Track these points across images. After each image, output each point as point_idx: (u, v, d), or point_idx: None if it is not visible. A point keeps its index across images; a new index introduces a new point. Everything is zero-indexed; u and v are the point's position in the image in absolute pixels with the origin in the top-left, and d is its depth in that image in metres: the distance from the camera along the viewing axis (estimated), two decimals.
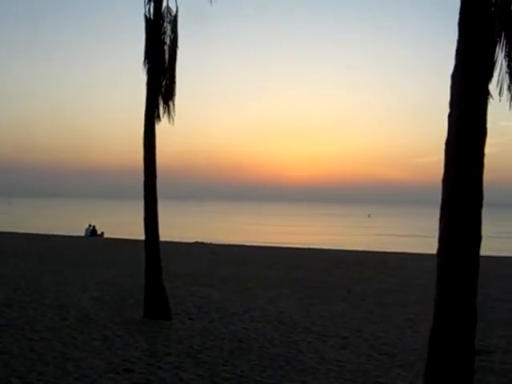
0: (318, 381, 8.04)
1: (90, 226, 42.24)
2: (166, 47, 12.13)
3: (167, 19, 12.12)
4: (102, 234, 41.93)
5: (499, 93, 7.42)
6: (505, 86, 7.48)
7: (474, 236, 5.38)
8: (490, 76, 5.96)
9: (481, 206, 5.42)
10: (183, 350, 9.36)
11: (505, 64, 7.37)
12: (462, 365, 5.35)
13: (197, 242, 35.69)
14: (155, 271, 11.89)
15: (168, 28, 12.14)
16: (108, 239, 38.66)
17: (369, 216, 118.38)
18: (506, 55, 7.29)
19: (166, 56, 12.13)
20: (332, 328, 11.44)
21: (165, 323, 11.28)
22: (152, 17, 12.03)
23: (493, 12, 5.60)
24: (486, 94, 5.58)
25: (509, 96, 7.51)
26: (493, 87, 6.46)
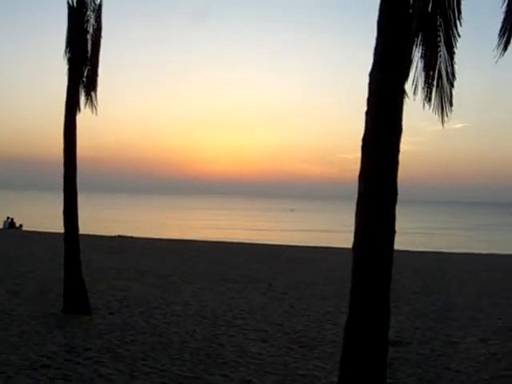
0: (238, 374, 8.09)
1: (8, 218, 41.02)
2: (88, 36, 11.90)
3: (91, 7, 11.88)
4: (21, 226, 40.84)
5: (414, 92, 7.68)
6: (420, 86, 7.75)
7: (388, 230, 5.54)
8: (407, 75, 6.15)
9: (395, 201, 5.58)
10: (103, 344, 9.23)
11: (421, 64, 7.61)
12: (375, 355, 5.50)
13: (118, 236, 35.23)
14: (74, 265, 11.67)
15: (92, 17, 11.90)
16: (27, 232, 37.61)
17: (292, 210, 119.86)
18: (422, 56, 7.54)
19: (89, 45, 11.90)
20: (253, 321, 11.52)
21: (84, 318, 11.10)
22: (75, 4, 11.76)
23: (411, 13, 5.76)
24: (402, 93, 5.73)
25: (423, 95, 7.78)
26: (408, 86, 6.70)
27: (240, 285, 16.27)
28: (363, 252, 5.52)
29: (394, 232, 5.57)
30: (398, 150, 5.57)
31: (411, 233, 65.73)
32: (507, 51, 9.30)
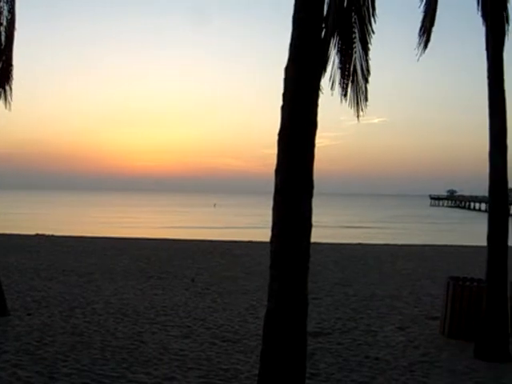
0: (161, 371, 8.04)
1: None
2: (1, 28, 11.49)
3: None
4: None
5: (331, 87, 7.82)
6: (337, 81, 7.90)
7: (305, 223, 5.62)
8: (322, 71, 6.25)
9: (311, 195, 5.68)
10: (21, 347, 8.98)
11: (337, 60, 7.76)
12: (295, 347, 5.58)
13: (37, 234, 34.29)
14: None
15: (5, 8, 11.48)
16: None
17: (214, 206, 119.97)
18: (338, 52, 7.68)
19: (3, 38, 11.50)
20: (175, 318, 11.46)
21: (1, 320, 10.75)
22: None
23: (327, 9, 5.85)
24: (317, 88, 5.81)
25: (340, 91, 7.93)
26: (326, 82, 6.82)
27: (163, 281, 16.14)
28: (280, 245, 5.59)
29: (310, 225, 5.66)
30: (313, 145, 5.65)
31: (330, 225, 67.05)
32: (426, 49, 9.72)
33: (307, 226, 5.61)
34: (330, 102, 7.81)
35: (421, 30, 9.81)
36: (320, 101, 6.51)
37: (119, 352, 8.88)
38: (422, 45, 9.79)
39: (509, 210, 10.05)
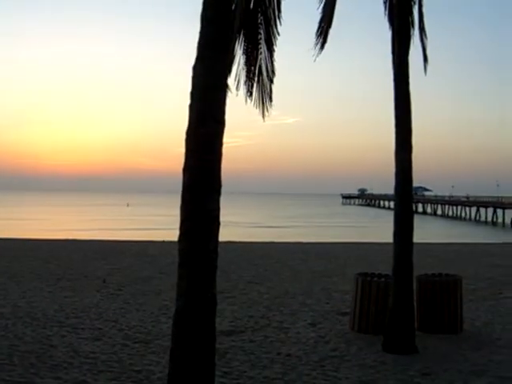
0: (71, 375, 7.87)
1: None
2: None
3: None
4: None
5: (236, 87, 7.88)
6: (242, 81, 7.96)
7: (213, 222, 5.64)
8: (229, 70, 6.27)
9: (219, 194, 5.70)
10: None
11: (243, 60, 7.83)
12: (203, 346, 5.58)
13: None
14: None
15: None
16: None
17: (128, 205, 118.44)
18: (244, 52, 7.75)
19: None
20: (86, 320, 11.24)
21: None
22: None
23: (234, 9, 5.87)
24: (224, 87, 5.84)
25: (245, 90, 8.01)
26: (231, 81, 6.87)
27: (73, 283, 15.80)
28: (188, 244, 5.58)
29: (218, 223, 5.68)
30: (221, 143, 5.68)
31: (244, 224, 67.41)
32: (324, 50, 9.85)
33: (215, 224, 5.63)
34: (244, 100, 7.91)
35: (318, 30, 9.89)
36: (234, 100, 6.55)
37: (27, 357, 8.62)
38: (319, 46, 9.87)
39: (413, 208, 10.39)
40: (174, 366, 5.62)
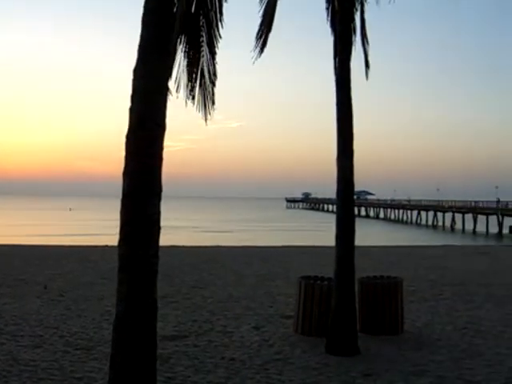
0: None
1: None
2: None
3: None
4: None
5: (176, 90, 7.83)
6: (183, 84, 7.93)
7: (153, 226, 5.59)
8: (170, 74, 6.24)
9: (160, 198, 5.66)
10: None
11: (184, 63, 7.79)
12: (144, 351, 5.53)
13: None
14: None
15: None
16: None
17: (70, 210, 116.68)
18: (185, 55, 7.72)
19: None
20: (26, 327, 10.99)
21: None
22: None
23: (175, 12, 5.84)
24: (166, 91, 5.80)
25: (187, 93, 7.97)
26: (172, 84, 6.82)
27: (13, 289, 15.42)
28: (128, 249, 5.52)
29: (159, 228, 5.64)
30: (161, 147, 5.64)
31: (188, 229, 67.14)
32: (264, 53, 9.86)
33: (156, 228, 5.59)
34: (189, 105, 7.87)
35: (258, 33, 9.91)
36: (178, 104, 6.50)
37: None
38: (259, 49, 9.89)
39: (356, 212, 10.54)
40: (114, 372, 5.54)
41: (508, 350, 9.92)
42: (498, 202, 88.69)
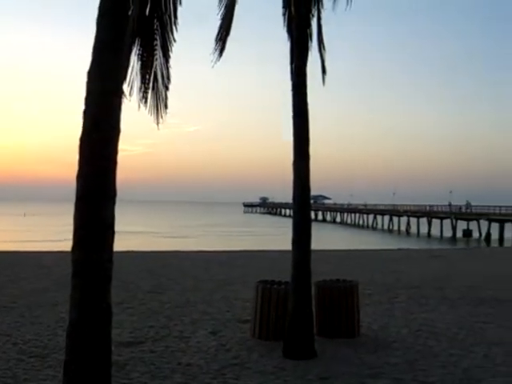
0: None
1: None
2: None
3: None
4: None
5: (129, 93, 7.78)
6: (136, 87, 7.88)
7: (107, 231, 5.53)
8: (124, 76, 6.19)
9: (114, 202, 5.59)
10: None
11: (137, 66, 7.75)
12: (99, 357, 5.46)
13: None
14: None
15: None
16: None
17: (24, 215, 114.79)
18: (139, 57, 7.68)
19: None
20: None
21: None
22: None
23: (129, 14, 5.80)
24: (119, 93, 5.75)
25: (139, 96, 7.93)
26: (125, 87, 6.76)
27: None
28: (82, 254, 5.44)
29: (113, 232, 5.57)
30: (116, 150, 5.58)
31: (145, 233, 66.66)
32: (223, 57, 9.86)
33: (110, 232, 5.52)
34: (138, 107, 7.82)
35: (217, 36, 9.90)
36: (133, 107, 6.44)
37: None
38: (218, 52, 9.86)
39: (313, 216, 10.60)
40: (68, 379, 5.45)
41: (462, 351, 10.10)
42: (450, 205, 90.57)
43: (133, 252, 29.95)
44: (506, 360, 9.53)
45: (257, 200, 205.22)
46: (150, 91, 7.86)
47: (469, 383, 8.29)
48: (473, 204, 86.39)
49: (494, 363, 9.34)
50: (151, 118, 8.01)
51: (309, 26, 10.40)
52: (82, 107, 5.55)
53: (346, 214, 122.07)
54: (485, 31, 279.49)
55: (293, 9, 10.37)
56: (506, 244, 65.20)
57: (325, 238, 56.50)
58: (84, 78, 5.58)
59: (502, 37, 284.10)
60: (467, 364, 9.27)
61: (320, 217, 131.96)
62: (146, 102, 7.84)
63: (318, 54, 10.57)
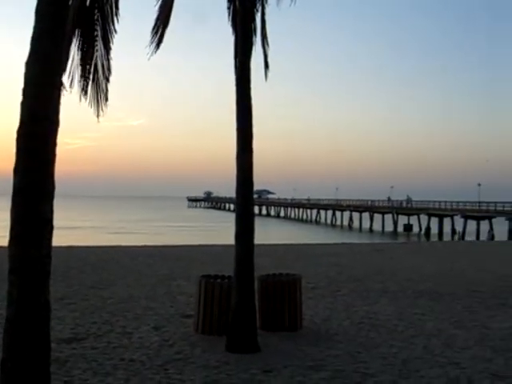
0: None
1: None
2: None
3: None
4: None
5: (70, 85, 7.63)
6: (76, 79, 7.74)
7: (45, 225, 5.42)
8: (64, 68, 6.06)
9: (52, 197, 5.47)
10: None
11: (77, 57, 7.61)
12: (37, 354, 5.35)
13: None
14: None
15: None
16: None
17: None
18: (78, 49, 7.53)
19: None
20: None
21: None
22: None
23: (70, 4, 5.68)
24: (58, 85, 5.63)
25: (80, 88, 7.80)
26: (65, 79, 6.64)
27: None
28: (19, 249, 5.31)
29: (51, 227, 5.45)
30: (54, 144, 5.45)
31: (87, 228, 65.75)
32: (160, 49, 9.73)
33: (48, 227, 5.40)
34: (79, 99, 7.68)
35: (154, 28, 9.73)
36: (74, 100, 6.31)
37: None
38: (155, 44, 9.70)
39: (256, 210, 10.63)
40: (6, 377, 5.32)
41: (402, 342, 10.31)
42: (389, 200, 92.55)
43: (75, 247, 29.51)
44: (443, 351, 9.77)
45: (201, 194, 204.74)
46: (90, 83, 7.72)
47: (408, 374, 8.47)
48: (413, 199, 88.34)
49: (433, 354, 9.57)
50: (92, 111, 7.89)
51: (253, 20, 10.39)
52: (20, 99, 5.41)
53: (289, 209, 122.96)
54: (422, 19, 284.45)
55: (237, 3, 10.35)
56: (445, 238, 66.94)
57: (268, 232, 56.81)
58: (22, 69, 5.45)
59: (435, 24, 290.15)
60: (407, 355, 9.47)
61: (264, 211, 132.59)
62: (86, 94, 7.71)
63: (261, 50, 10.57)
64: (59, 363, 8.43)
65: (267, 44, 10.60)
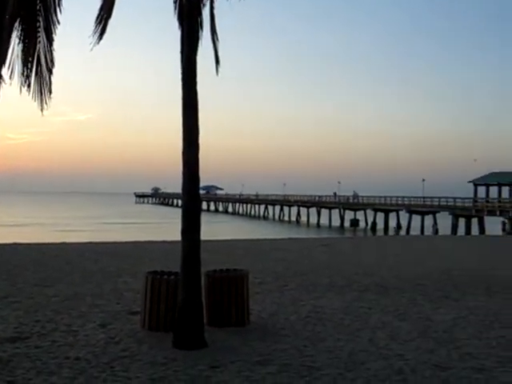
0: None
1: None
2: None
3: None
4: None
5: (10, 77, 7.45)
6: (17, 71, 7.56)
7: None
8: (3, 60, 5.91)
9: None
10: None
11: (18, 49, 7.43)
12: None
13: None
14: None
15: None
16: None
17: None
18: (20, 40, 7.36)
19: None
20: None
21: None
22: None
23: None
24: None
25: (21, 81, 7.62)
26: (5, 71, 6.49)
27: None
28: None
29: None
30: None
31: (32, 225, 64.54)
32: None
33: None
34: (20, 92, 7.49)
35: (97, 19, 9.55)
36: (13, 95, 6.16)
37: None
38: (98, 34, 9.52)
39: (203, 206, 10.60)
40: None
41: (347, 336, 10.45)
42: (336, 195, 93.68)
43: (19, 244, 28.92)
44: (388, 343, 9.95)
45: (149, 190, 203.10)
46: (33, 76, 7.54)
47: (353, 366, 8.60)
48: (360, 194, 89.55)
49: (378, 347, 9.73)
50: (36, 105, 7.73)
51: (199, 14, 10.32)
52: None
53: (237, 205, 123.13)
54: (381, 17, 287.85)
55: None
56: (391, 232, 68.12)
57: (216, 228, 56.80)
58: None
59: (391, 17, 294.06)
60: (352, 348, 9.61)
61: (212, 207, 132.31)
62: (29, 87, 7.53)
63: (211, 45, 10.51)
64: (2, 363, 8.28)
65: (217, 39, 10.55)
